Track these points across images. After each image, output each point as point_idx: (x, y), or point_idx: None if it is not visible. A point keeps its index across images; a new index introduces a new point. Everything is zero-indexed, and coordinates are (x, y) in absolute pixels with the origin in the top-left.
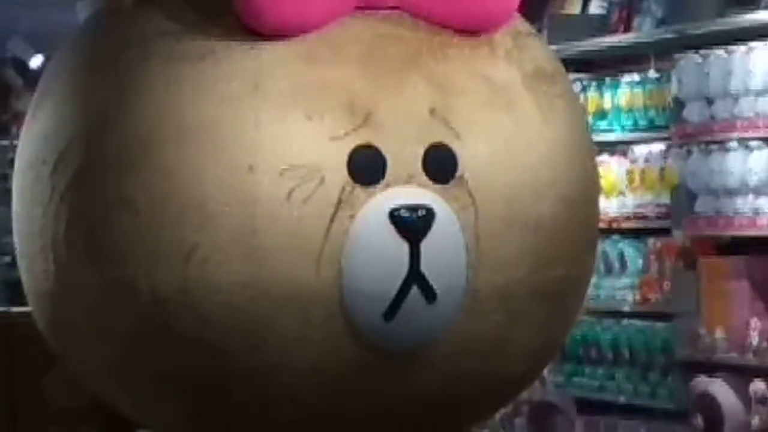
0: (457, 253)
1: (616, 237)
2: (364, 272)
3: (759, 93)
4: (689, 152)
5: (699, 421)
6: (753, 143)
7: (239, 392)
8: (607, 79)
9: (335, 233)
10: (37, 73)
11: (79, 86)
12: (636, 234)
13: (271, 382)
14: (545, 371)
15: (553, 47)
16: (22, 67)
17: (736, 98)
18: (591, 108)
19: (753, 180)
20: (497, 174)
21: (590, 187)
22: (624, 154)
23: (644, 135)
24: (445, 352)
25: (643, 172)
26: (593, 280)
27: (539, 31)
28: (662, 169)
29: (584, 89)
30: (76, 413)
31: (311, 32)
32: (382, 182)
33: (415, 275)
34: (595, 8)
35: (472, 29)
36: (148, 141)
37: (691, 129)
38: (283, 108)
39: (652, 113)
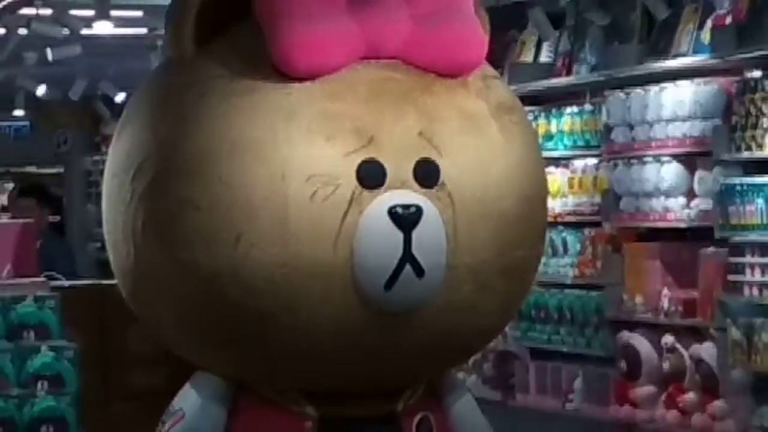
0: (439, 240)
1: (560, 228)
2: (370, 254)
3: (668, 121)
4: (615, 165)
5: (623, 365)
6: (664, 158)
7: (276, 344)
8: (553, 111)
9: (347, 225)
10: (120, 106)
11: (153, 116)
12: (575, 226)
13: (301, 336)
14: (507, 328)
15: (512, 87)
16: (109, 101)
17: (651, 125)
18: (541, 132)
19: (664, 186)
20: (470, 181)
21: (541, 190)
22: (566, 166)
23: (581, 152)
24: (431, 314)
25: (580, 179)
26: (543, 260)
27: (501, 74)
28: (595, 178)
29: (536, 118)
30: (153, 357)
31: (330, 75)
32: (383, 187)
33: (407, 256)
34: (544, 57)
35: (450, 73)
36: (207, 156)
37: (617, 147)
38: (310, 132)
39: (587, 136)
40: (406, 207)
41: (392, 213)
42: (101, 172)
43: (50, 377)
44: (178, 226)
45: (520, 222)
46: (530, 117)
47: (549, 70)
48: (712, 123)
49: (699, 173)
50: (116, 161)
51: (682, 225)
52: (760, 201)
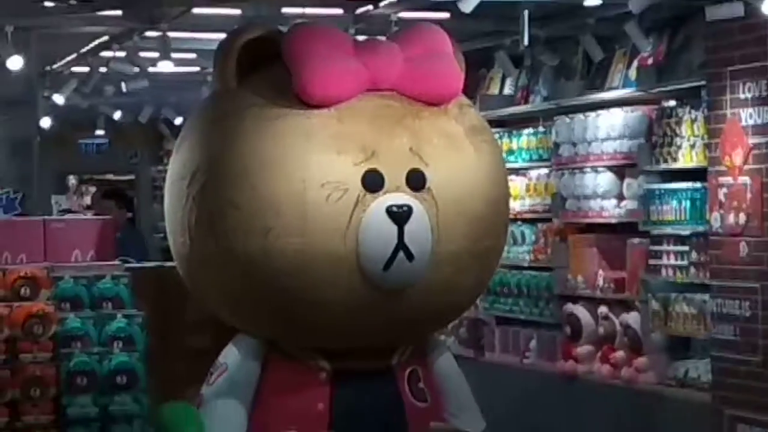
0: (426, 232)
1: (519, 223)
2: (371, 243)
3: (603, 140)
4: (562, 174)
5: (567, 329)
6: (600, 169)
7: (296, 313)
8: (514, 132)
9: (354, 221)
10: (178, 128)
11: (203, 136)
12: (531, 221)
13: (315, 307)
14: (478, 300)
15: (482, 113)
16: (170, 123)
17: (589, 143)
18: (504, 148)
19: (599, 190)
20: (449, 186)
21: (505, 194)
22: (524, 175)
23: (536, 164)
24: (419, 290)
25: (535, 185)
26: (506, 247)
27: (474, 103)
28: (546, 184)
29: (501, 137)
30: (202, 322)
31: (341, 103)
32: (382, 191)
33: (401, 245)
34: (507, 90)
35: (434, 102)
36: (243, 168)
37: (564, 160)
38: (324, 148)
39: (540, 151)
40: (400, 206)
41: (389, 211)
42: (164, 179)
43: (124, 338)
44: (222, 221)
45: (488, 218)
46: (496, 136)
47: (511, 100)
48: (637, 141)
49: (627, 180)
50: (175, 171)
51: (614, 221)
52: (674, 202)
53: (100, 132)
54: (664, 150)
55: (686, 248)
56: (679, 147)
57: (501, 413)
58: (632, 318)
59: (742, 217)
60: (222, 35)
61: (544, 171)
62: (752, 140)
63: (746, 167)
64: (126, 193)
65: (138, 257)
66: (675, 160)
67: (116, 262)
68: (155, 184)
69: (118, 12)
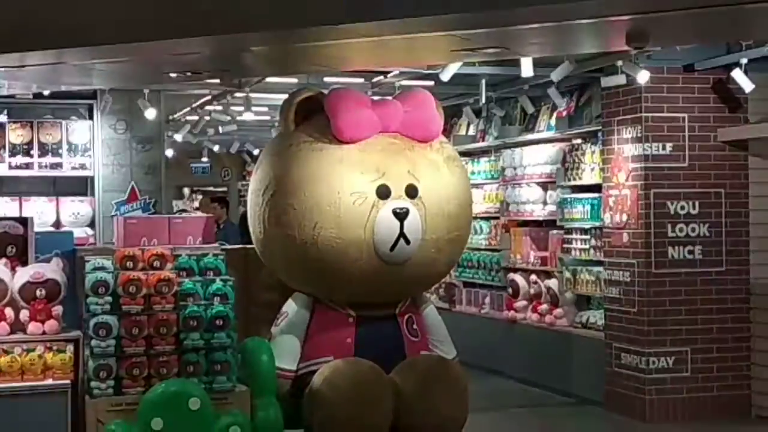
0: (418, 225)
1: (479, 220)
2: (382, 233)
3: (533, 165)
4: (507, 187)
5: (510, 290)
6: (531, 184)
7: (333, 279)
8: (475, 159)
9: (371, 218)
10: (256, 156)
11: (272, 161)
12: (486, 218)
13: (347, 275)
14: (451, 271)
15: (455, 147)
16: (250, 153)
17: (524, 167)
18: (470, 170)
19: (531, 198)
20: (432, 195)
21: (469, 200)
22: (482, 188)
23: (490, 181)
24: (413, 263)
25: (489, 194)
26: (470, 236)
27: (449, 140)
28: (496, 194)
29: (467, 163)
30: (272, 284)
31: (362, 141)
32: (389, 198)
33: (401, 234)
34: (470, 132)
35: (423, 140)
36: (298, 183)
37: (508, 178)
38: (352, 169)
39: (493, 172)
40: (401, 208)
41: (394, 211)
42: (246, 190)
43: (220, 295)
44: (285, 217)
45: (458, 217)
46: (464, 163)
47: (473, 139)
48: (555, 166)
49: (549, 192)
50: (254, 184)
51: (541, 218)
52: (580, 206)
53: (204, 159)
54: (573, 172)
55: (588, 237)
56: (584, 170)
57: (466, 345)
58: (552, 282)
59: (624, 217)
60: (285, 95)
61: (495, 185)
62: (631, 165)
63: (627, 183)
64: (226, 199)
65: (235, 241)
66: (581, 178)
67: (216, 245)
68: (241, 193)
69: (217, 80)
